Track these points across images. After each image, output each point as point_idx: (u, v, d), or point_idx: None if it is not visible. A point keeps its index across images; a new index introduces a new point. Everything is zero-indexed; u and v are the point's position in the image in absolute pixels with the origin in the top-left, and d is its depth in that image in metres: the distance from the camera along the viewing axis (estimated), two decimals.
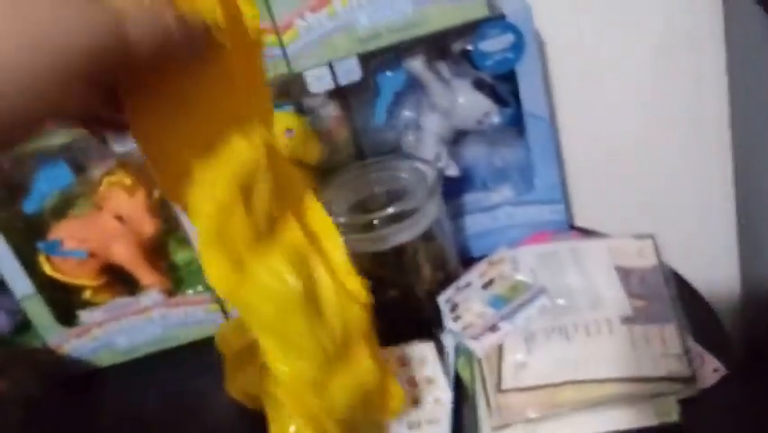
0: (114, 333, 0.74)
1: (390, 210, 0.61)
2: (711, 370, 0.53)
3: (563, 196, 0.71)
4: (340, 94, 0.69)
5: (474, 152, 0.73)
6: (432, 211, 0.62)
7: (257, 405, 0.54)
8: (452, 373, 0.58)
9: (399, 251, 0.62)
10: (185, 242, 0.74)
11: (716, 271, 0.86)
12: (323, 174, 0.71)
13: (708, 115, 0.78)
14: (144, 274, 0.74)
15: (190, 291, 0.74)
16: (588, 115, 0.77)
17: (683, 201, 0.83)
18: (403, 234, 0.61)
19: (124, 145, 0.67)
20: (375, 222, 0.61)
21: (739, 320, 0.88)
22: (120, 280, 0.75)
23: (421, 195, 0.62)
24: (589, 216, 0.78)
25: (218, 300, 0.74)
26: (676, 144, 0.80)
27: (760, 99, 0.72)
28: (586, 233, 0.71)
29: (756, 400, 0.52)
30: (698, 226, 0.84)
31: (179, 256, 0.78)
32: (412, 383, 0.58)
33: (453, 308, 0.62)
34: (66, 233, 0.72)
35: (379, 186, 0.66)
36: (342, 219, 0.63)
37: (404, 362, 0.60)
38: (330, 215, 0.62)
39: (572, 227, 0.74)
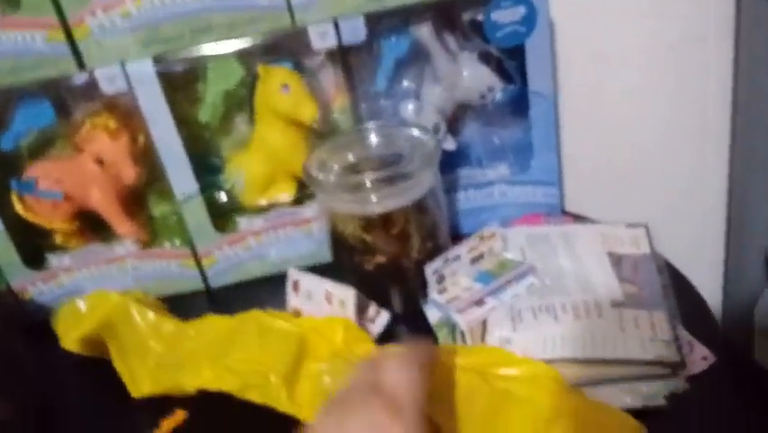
0: (82, 280, 0.71)
1: (383, 173, 0.59)
2: (700, 357, 0.52)
3: (558, 180, 0.70)
4: (341, 56, 0.68)
5: (472, 129, 0.72)
6: (427, 180, 0.61)
7: (94, 351, 0.64)
8: None
9: (390, 217, 0.60)
10: (166, 194, 0.71)
11: (702, 263, 0.86)
12: (319, 138, 0.69)
13: (710, 110, 0.78)
14: (120, 222, 0.71)
15: (167, 244, 0.72)
16: (589, 101, 0.76)
17: (677, 193, 0.83)
18: (395, 200, 0.60)
19: (113, 85, 0.65)
20: (367, 184, 0.59)
21: (722, 311, 0.89)
22: (94, 228, 0.72)
23: (417, 162, 0.60)
24: (581, 202, 0.77)
25: (195, 255, 0.71)
26: (677, 138, 0.80)
27: (762, 96, 0.72)
28: (578, 218, 0.70)
29: (739, 389, 0.51)
30: (688, 218, 0.84)
31: (159, 209, 0.75)
32: None
33: (440, 279, 0.61)
34: (42, 173, 0.69)
35: (374, 150, 0.64)
36: (332, 178, 0.61)
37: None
38: (322, 173, 0.61)
39: (564, 212, 0.73)
